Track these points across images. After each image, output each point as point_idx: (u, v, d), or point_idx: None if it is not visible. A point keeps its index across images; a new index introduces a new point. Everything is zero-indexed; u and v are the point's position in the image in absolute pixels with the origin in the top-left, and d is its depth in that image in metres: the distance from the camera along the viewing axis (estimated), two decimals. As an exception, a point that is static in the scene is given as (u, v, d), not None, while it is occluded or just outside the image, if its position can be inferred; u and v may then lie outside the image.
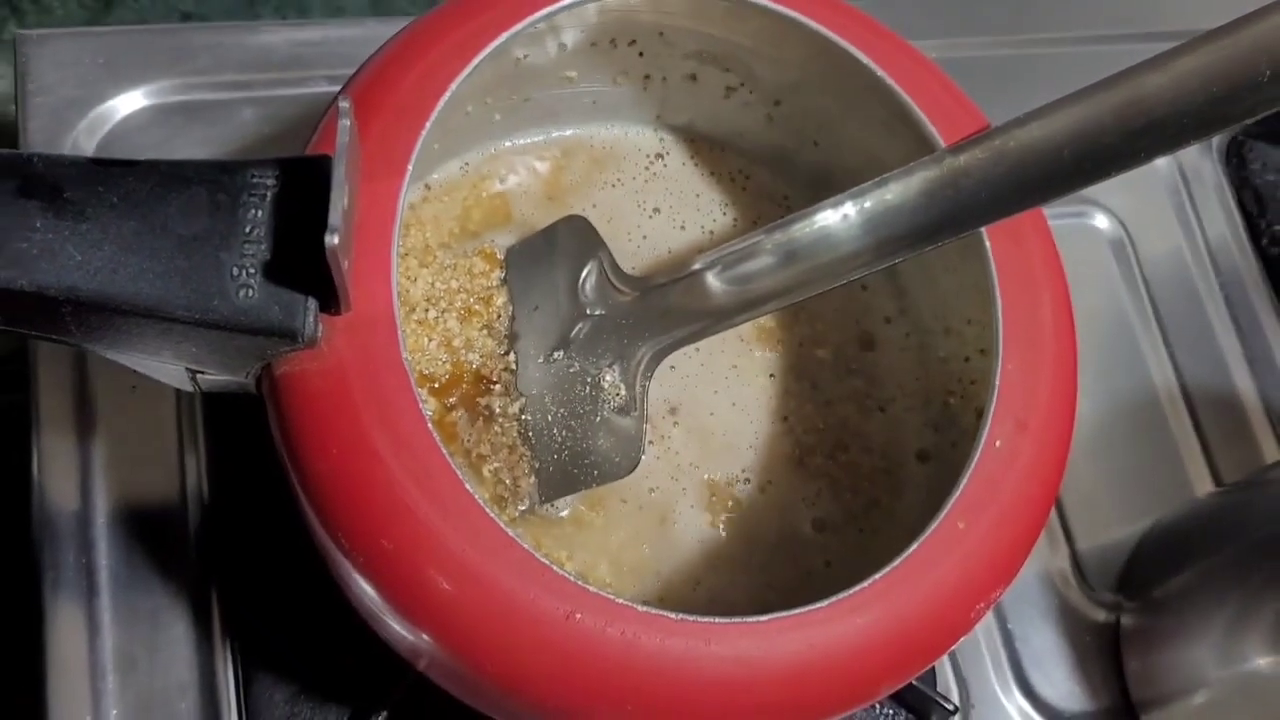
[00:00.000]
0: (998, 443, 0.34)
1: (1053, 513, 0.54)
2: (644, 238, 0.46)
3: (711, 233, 0.46)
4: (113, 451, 0.46)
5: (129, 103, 0.51)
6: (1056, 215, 0.57)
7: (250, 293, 0.31)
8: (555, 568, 0.31)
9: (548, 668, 0.31)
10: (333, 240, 0.28)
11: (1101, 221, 0.60)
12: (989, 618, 0.52)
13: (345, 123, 0.29)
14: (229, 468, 0.47)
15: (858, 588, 0.32)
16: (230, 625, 0.45)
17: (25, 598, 0.44)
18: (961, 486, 0.34)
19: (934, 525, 0.33)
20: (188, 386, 0.35)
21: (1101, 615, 0.52)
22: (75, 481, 0.46)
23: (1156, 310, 0.59)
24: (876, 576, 0.32)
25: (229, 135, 0.52)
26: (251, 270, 0.31)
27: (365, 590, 0.32)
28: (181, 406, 0.48)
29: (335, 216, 0.28)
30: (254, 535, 0.46)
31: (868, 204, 0.37)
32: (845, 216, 0.38)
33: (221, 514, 0.46)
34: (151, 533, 0.46)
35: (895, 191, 0.37)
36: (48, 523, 0.45)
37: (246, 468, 0.47)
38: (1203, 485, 0.55)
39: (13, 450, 0.47)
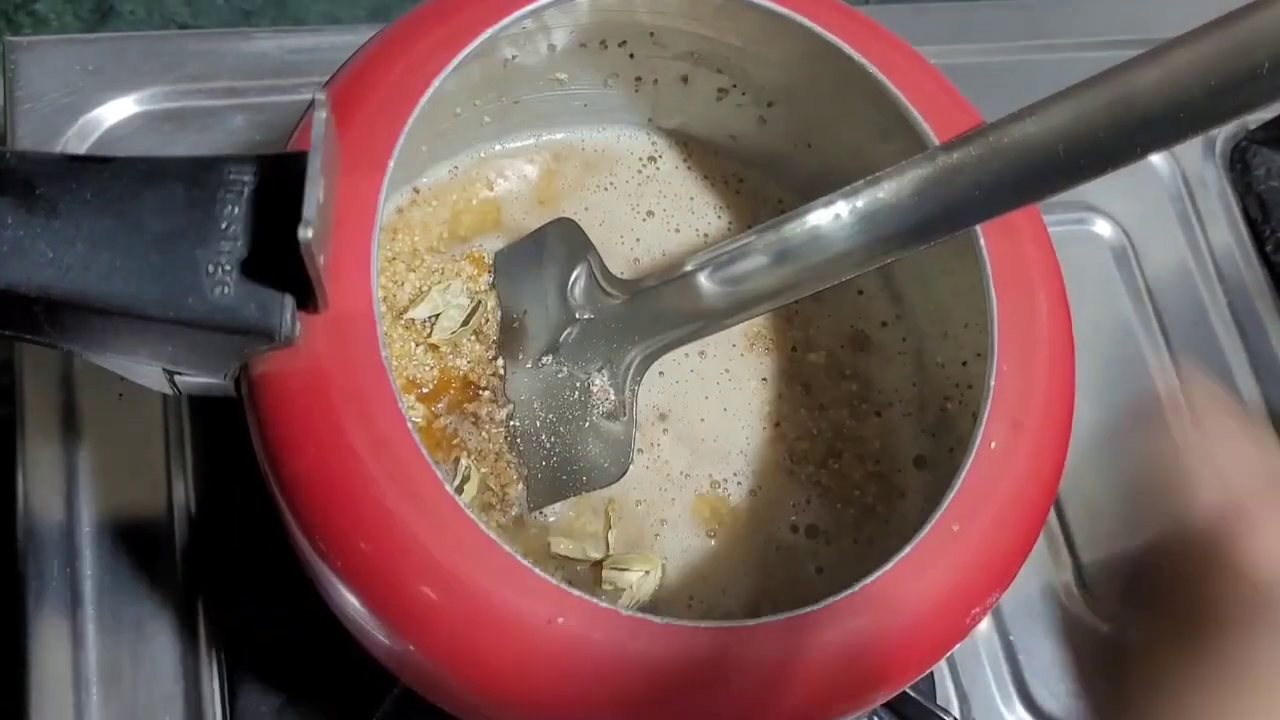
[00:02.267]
0: (993, 444, 0.34)
1: (1056, 524, 0.53)
2: (637, 240, 0.45)
3: (706, 236, 0.46)
4: (99, 461, 0.46)
5: (119, 109, 0.51)
6: (1058, 221, 0.56)
7: (226, 290, 0.30)
8: (537, 570, 0.30)
9: (530, 675, 0.31)
10: (306, 233, 0.28)
11: (1104, 228, 0.59)
12: (990, 630, 0.51)
13: (321, 115, 0.29)
14: (215, 477, 0.46)
15: (849, 591, 0.31)
16: (216, 636, 0.44)
17: (8, 608, 0.44)
18: (956, 488, 0.33)
19: (928, 528, 0.32)
20: (167, 389, 0.34)
21: (1105, 627, 0.51)
22: (60, 490, 0.45)
23: (1160, 318, 0.58)
24: (868, 580, 0.31)
25: (220, 142, 0.52)
26: (228, 267, 0.30)
27: (344, 595, 0.32)
28: (168, 416, 0.47)
29: (310, 209, 0.28)
30: (240, 546, 0.45)
31: (860, 203, 0.37)
32: (837, 216, 0.37)
33: (207, 524, 0.46)
34: (137, 543, 0.45)
35: (887, 190, 0.36)
36: (32, 532, 0.44)
37: (233, 477, 0.46)
38: (1208, 495, 0.55)
39: (1, 461, 0.47)
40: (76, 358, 0.47)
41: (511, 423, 0.40)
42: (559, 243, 0.42)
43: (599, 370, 0.40)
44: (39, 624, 0.43)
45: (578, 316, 0.41)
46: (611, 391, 0.40)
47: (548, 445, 0.40)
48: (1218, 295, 0.59)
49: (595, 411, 0.40)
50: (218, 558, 0.45)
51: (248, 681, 0.44)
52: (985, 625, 0.51)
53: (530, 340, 0.41)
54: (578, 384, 0.40)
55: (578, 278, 0.41)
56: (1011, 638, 0.51)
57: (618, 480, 0.40)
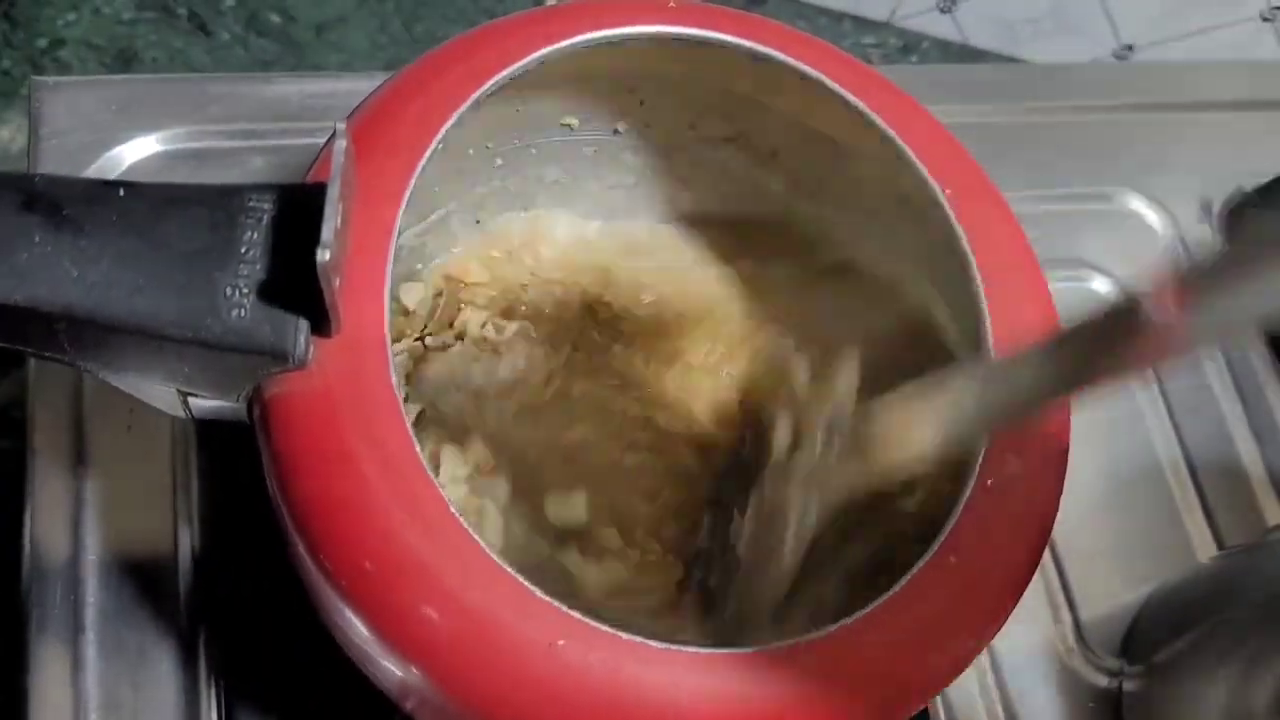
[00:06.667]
0: (989, 480, 0.34)
1: (1055, 578, 0.53)
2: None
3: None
4: (106, 491, 0.46)
5: (140, 148, 0.52)
6: (1056, 279, 0.57)
7: (242, 312, 0.31)
8: (537, 591, 0.30)
9: (531, 698, 0.31)
10: (324, 256, 0.28)
11: (1102, 286, 0.60)
12: (989, 683, 0.51)
13: (341, 144, 0.30)
14: (220, 510, 0.47)
15: (845, 621, 0.32)
16: (217, 667, 0.44)
17: (10, 635, 0.44)
18: (952, 522, 0.33)
19: (924, 560, 0.33)
20: (180, 410, 0.35)
21: (1104, 680, 0.51)
22: (67, 520, 0.46)
23: (1158, 377, 0.59)
24: (865, 610, 0.32)
25: (238, 181, 0.52)
26: (245, 290, 0.31)
27: (347, 616, 0.32)
28: (176, 449, 0.48)
29: (327, 233, 0.29)
30: (244, 578, 0.45)
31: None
32: None
33: (211, 555, 0.46)
34: (141, 572, 0.45)
35: None
36: (37, 560, 0.45)
37: (237, 510, 0.47)
38: (1205, 549, 0.55)
39: (10, 493, 0.47)
40: (87, 391, 0.48)
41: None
42: None
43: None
44: (40, 652, 0.43)
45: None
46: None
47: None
48: (1216, 356, 0.60)
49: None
50: (220, 589, 0.45)
51: (247, 712, 0.44)
52: (984, 679, 0.51)
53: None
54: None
55: None
56: (1010, 690, 0.51)
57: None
